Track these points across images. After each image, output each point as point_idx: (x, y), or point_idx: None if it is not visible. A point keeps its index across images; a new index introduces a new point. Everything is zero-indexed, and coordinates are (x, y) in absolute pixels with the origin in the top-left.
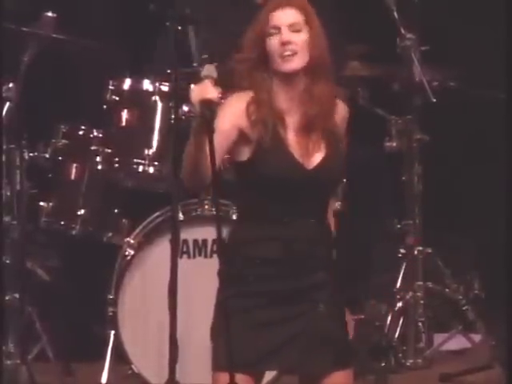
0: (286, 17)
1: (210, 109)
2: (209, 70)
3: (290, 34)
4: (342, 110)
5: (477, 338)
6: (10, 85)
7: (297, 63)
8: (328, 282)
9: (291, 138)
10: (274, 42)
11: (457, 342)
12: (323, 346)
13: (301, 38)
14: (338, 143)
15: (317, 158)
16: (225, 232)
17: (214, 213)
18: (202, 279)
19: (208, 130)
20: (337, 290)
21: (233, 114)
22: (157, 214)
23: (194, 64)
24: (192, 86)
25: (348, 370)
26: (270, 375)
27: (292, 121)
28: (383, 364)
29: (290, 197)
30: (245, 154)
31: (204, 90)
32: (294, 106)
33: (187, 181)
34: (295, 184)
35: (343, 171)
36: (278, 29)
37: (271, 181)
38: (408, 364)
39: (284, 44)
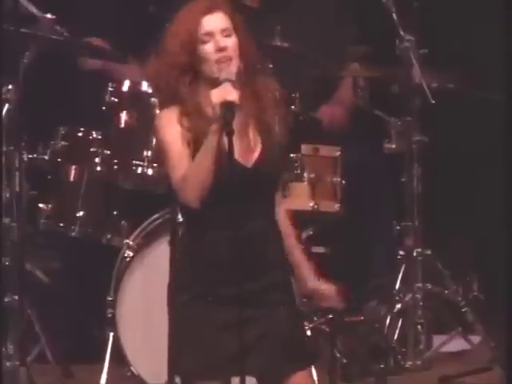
0: (218, 22)
1: (230, 110)
2: (227, 73)
3: (224, 40)
4: (271, 90)
5: (476, 339)
6: (10, 86)
7: (233, 68)
8: (287, 281)
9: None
10: (208, 48)
11: (456, 344)
12: (285, 348)
13: (233, 43)
14: (272, 132)
15: (254, 155)
16: None
17: None
18: None
19: (228, 131)
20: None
21: (177, 129)
22: (156, 215)
23: None
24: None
25: (307, 370)
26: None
27: None
28: (382, 366)
29: (234, 197)
30: None
31: (225, 92)
32: None
33: (195, 192)
34: (238, 183)
35: (282, 160)
36: (212, 35)
37: (215, 182)
38: (407, 366)
39: (220, 50)
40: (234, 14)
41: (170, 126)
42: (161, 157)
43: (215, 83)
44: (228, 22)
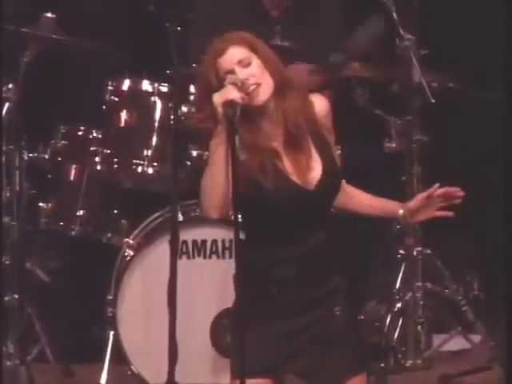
0: (233, 56)
1: (231, 107)
2: (232, 78)
3: (244, 71)
4: (320, 106)
5: (476, 338)
6: (10, 85)
7: (264, 93)
8: (342, 285)
9: (285, 161)
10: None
11: (456, 343)
12: (340, 350)
13: (255, 69)
14: (329, 146)
15: (315, 174)
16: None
17: None
18: (201, 280)
19: (231, 129)
20: (350, 292)
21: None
22: (156, 214)
23: (194, 65)
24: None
25: (362, 375)
26: None
27: (279, 146)
28: (382, 365)
29: (296, 218)
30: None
31: (225, 93)
32: (273, 131)
33: (216, 198)
34: (298, 207)
35: (342, 175)
36: (231, 71)
37: (274, 208)
38: (407, 365)
39: (242, 82)
40: (247, 40)
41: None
42: None
43: (250, 113)
44: (242, 51)
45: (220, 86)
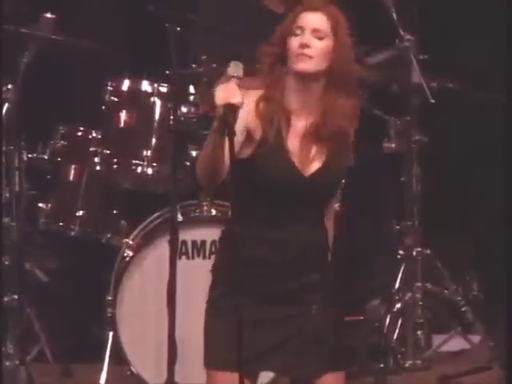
0: (312, 20)
1: (232, 112)
2: (235, 67)
3: (312, 39)
4: (356, 123)
5: (475, 339)
6: (9, 86)
7: (309, 66)
8: (322, 284)
9: (294, 141)
10: (294, 42)
11: (455, 343)
12: (316, 348)
13: (322, 45)
14: (343, 153)
15: (315, 165)
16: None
17: (213, 214)
18: (200, 280)
19: (229, 133)
20: (332, 292)
21: (243, 114)
22: (155, 215)
23: (193, 65)
24: (217, 87)
25: (340, 373)
26: (267, 376)
27: (299, 124)
28: (382, 365)
29: (285, 200)
30: (245, 152)
31: (229, 94)
32: (305, 111)
33: (203, 179)
34: (290, 189)
35: (341, 181)
36: (302, 30)
37: (267, 182)
38: (407, 365)
39: (302, 46)
40: (337, 20)
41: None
42: None
43: (296, 78)
44: (325, 24)
45: (287, 34)
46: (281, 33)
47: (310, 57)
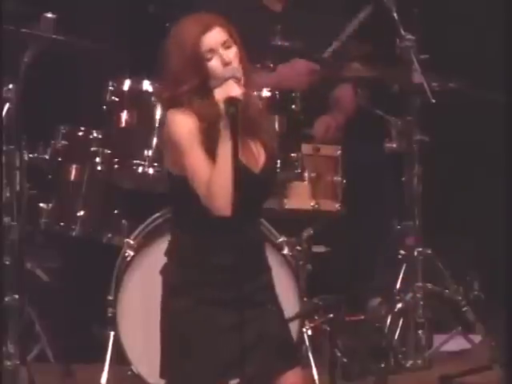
0: (218, 37)
1: (233, 105)
2: (233, 70)
3: (227, 52)
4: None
5: (476, 338)
6: (10, 86)
7: (240, 90)
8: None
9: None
10: (214, 64)
11: (456, 343)
12: (275, 349)
13: (233, 53)
14: (273, 137)
15: (261, 159)
16: None
17: None
18: None
19: (233, 125)
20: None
21: (191, 128)
22: (157, 214)
23: None
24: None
25: (298, 368)
26: None
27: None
28: (383, 365)
29: (239, 202)
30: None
31: (227, 89)
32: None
33: (229, 195)
34: (244, 189)
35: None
36: (214, 51)
37: None
38: (408, 365)
39: (226, 64)
40: (229, 25)
41: (184, 126)
42: (173, 156)
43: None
44: (226, 33)
45: (199, 61)
46: (191, 60)
47: (239, 79)
